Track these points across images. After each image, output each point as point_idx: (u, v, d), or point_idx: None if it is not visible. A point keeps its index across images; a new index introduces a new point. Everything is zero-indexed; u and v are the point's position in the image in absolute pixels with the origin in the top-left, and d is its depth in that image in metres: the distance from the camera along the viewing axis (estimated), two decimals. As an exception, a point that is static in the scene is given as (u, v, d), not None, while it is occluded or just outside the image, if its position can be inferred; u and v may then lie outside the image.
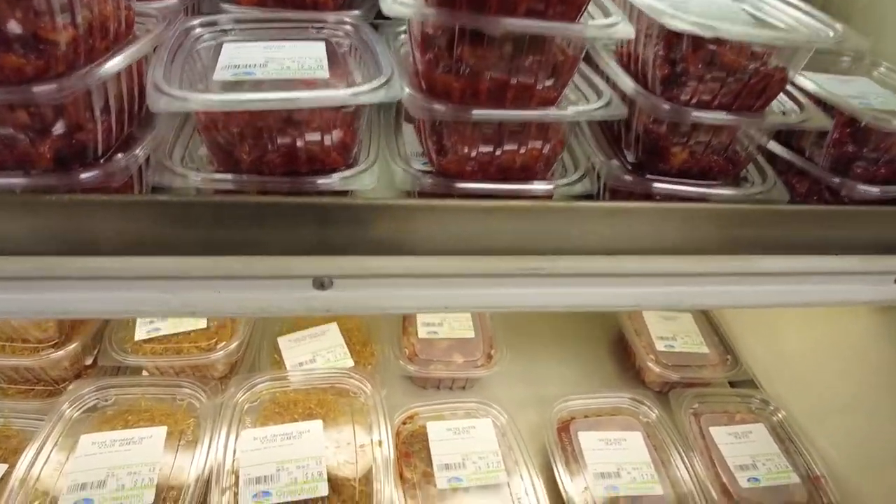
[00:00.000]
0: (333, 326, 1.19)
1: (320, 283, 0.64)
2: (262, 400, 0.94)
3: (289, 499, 0.82)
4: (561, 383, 1.21)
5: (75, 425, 0.90)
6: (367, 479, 0.86)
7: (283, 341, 1.16)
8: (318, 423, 0.91)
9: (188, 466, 0.85)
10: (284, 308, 0.65)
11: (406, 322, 1.22)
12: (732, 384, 1.25)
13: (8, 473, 0.85)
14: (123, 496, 0.80)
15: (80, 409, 0.91)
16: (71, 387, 0.93)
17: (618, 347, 1.37)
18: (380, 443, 0.90)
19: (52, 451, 0.86)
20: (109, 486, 0.81)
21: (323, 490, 0.83)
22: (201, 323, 1.05)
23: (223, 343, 1.02)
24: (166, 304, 0.61)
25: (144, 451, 0.85)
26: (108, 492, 0.80)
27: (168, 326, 1.04)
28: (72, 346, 0.99)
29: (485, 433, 1.05)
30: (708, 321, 1.36)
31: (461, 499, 0.95)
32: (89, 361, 1.10)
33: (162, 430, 0.88)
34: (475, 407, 1.09)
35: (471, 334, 1.23)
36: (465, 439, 1.03)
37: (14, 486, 0.80)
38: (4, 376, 1.03)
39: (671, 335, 1.30)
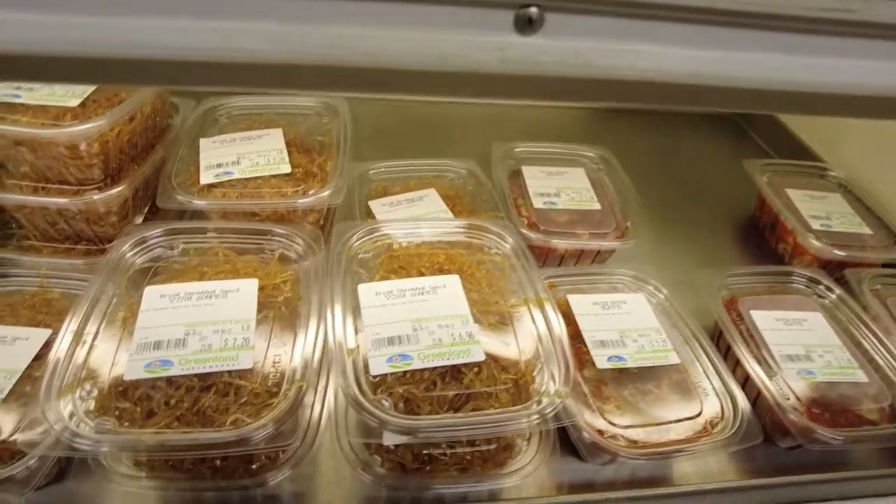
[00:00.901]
0: (432, 192, 0.97)
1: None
2: (378, 252, 0.72)
3: (434, 364, 0.60)
4: (700, 265, 1.00)
5: (135, 278, 0.68)
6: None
7: (375, 205, 0.94)
8: (455, 278, 0.69)
9: (293, 326, 0.64)
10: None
11: (515, 193, 1.00)
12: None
13: (53, 339, 0.64)
14: (212, 358, 0.59)
15: (143, 256, 0.69)
16: (126, 229, 0.71)
17: (753, 230, 1.16)
18: (536, 301, 0.69)
19: (108, 308, 0.64)
20: (191, 345, 0.60)
21: (478, 354, 0.62)
22: (284, 167, 0.82)
23: (313, 190, 0.79)
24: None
25: (232, 306, 0.64)
26: (191, 352, 0.59)
27: (242, 170, 0.81)
28: (117, 190, 0.76)
29: (639, 309, 0.84)
30: (863, 204, 1.15)
31: (626, 381, 0.74)
32: (139, 220, 0.87)
33: (252, 284, 0.66)
34: (624, 280, 0.87)
35: (595, 206, 1.01)
36: (616, 315, 0.83)
37: (62, 354, 0.58)
38: (39, 232, 0.81)
39: (825, 214, 1.09)
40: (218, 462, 0.61)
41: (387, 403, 0.58)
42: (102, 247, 0.83)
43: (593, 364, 0.75)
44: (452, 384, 0.60)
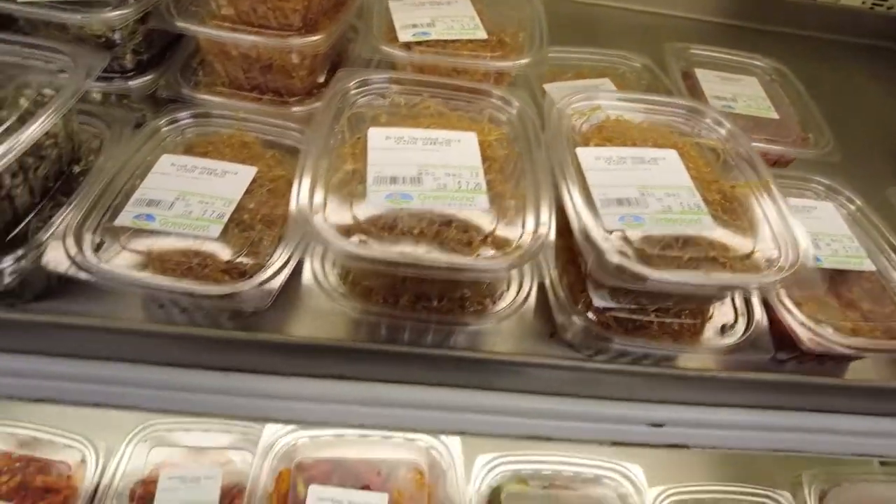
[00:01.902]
0: (606, 82, 0.93)
1: None
2: (591, 120, 0.70)
3: (664, 231, 0.59)
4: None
5: (352, 119, 0.67)
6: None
7: (549, 88, 0.91)
8: (673, 152, 0.66)
9: (517, 180, 0.63)
10: None
11: (689, 93, 0.95)
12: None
13: (259, 176, 0.64)
14: (450, 197, 0.58)
15: (362, 98, 0.68)
16: (341, 73, 0.70)
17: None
18: (761, 183, 0.66)
19: (334, 144, 0.64)
20: (427, 183, 0.59)
21: (708, 225, 0.60)
22: (480, 32, 0.80)
23: (512, 57, 0.77)
24: None
25: (457, 154, 0.63)
26: (428, 190, 0.59)
27: (438, 31, 0.79)
28: (314, 38, 0.75)
29: (829, 216, 0.80)
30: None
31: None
32: (322, 79, 0.86)
33: (472, 136, 0.65)
34: (814, 188, 0.83)
35: (773, 115, 0.96)
36: (806, 220, 0.79)
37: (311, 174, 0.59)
38: (230, 79, 0.81)
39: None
40: (435, 302, 0.61)
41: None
42: (287, 99, 0.83)
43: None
44: (686, 248, 0.59)
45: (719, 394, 0.65)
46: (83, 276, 0.58)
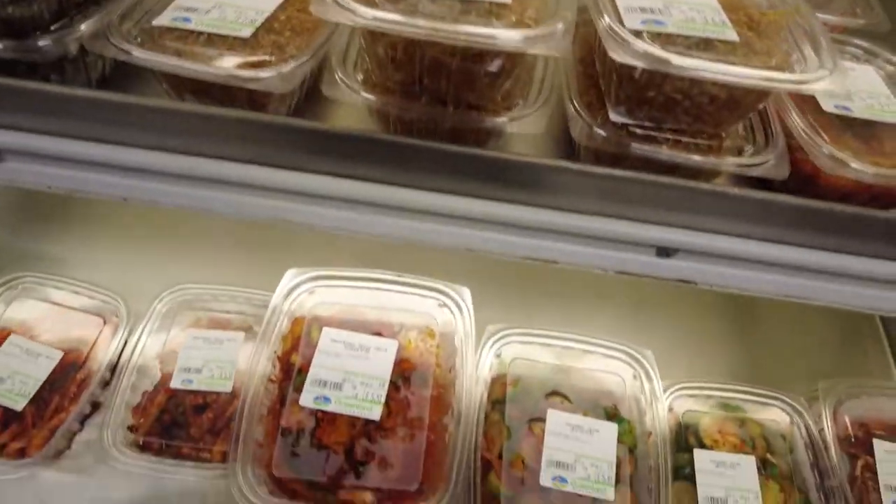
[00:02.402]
0: None
1: None
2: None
3: (688, 33, 0.59)
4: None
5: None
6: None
7: None
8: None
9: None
10: None
11: None
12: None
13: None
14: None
15: None
16: None
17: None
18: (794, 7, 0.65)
19: None
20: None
21: (730, 35, 0.59)
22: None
23: None
24: None
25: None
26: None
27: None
28: None
29: (867, 77, 0.78)
30: None
31: (848, 127, 0.70)
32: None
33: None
34: (851, 51, 0.81)
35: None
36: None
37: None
38: None
39: None
40: (451, 108, 0.63)
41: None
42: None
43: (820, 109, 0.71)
44: (709, 50, 0.58)
45: (731, 220, 0.64)
46: (123, 57, 0.62)
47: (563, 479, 0.92)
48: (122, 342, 1.14)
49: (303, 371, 0.87)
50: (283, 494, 0.78)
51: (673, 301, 1.36)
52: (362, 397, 0.86)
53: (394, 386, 0.88)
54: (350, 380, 0.87)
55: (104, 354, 1.13)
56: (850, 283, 0.68)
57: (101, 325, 1.18)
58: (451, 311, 0.95)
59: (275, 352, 0.89)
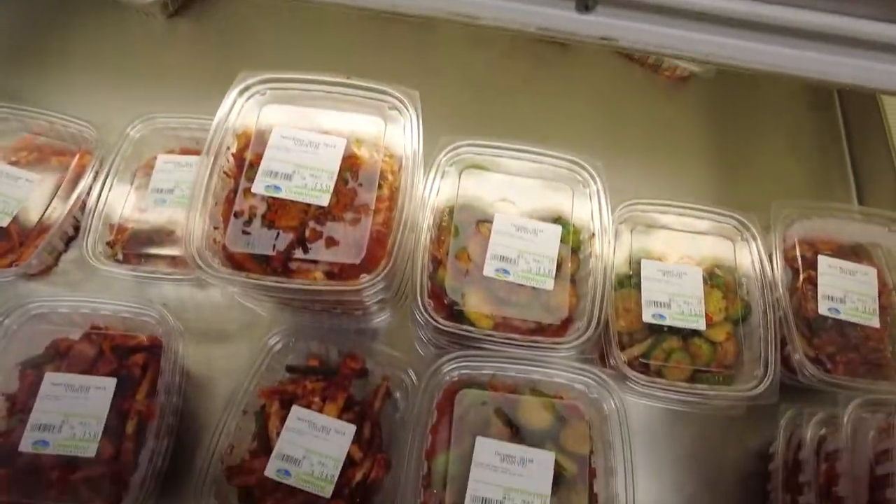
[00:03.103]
0: None
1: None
2: None
3: None
4: None
5: None
6: None
7: None
8: None
9: None
10: None
11: None
12: None
13: None
14: None
15: None
16: None
17: None
18: None
19: None
20: None
21: None
22: None
23: None
24: None
25: None
26: None
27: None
28: None
29: None
30: None
31: None
32: None
33: None
34: None
35: None
36: None
37: None
38: None
39: None
40: None
41: None
42: None
43: None
44: None
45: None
46: None
47: (505, 272, 0.98)
48: (97, 166, 1.19)
49: (254, 165, 0.92)
50: (233, 266, 0.85)
51: (646, 119, 1.41)
52: (311, 187, 0.90)
53: (342, 179, 0.92)
54: (300, 172, 0.91)
55: (81, 179, 1.19)
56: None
57: (77, 152, 1.23)
58: (401, 113, 0.97)
59: (228, 148, 0.93)
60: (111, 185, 1.16)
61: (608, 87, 1.47)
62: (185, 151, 1.23)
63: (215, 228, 0.88)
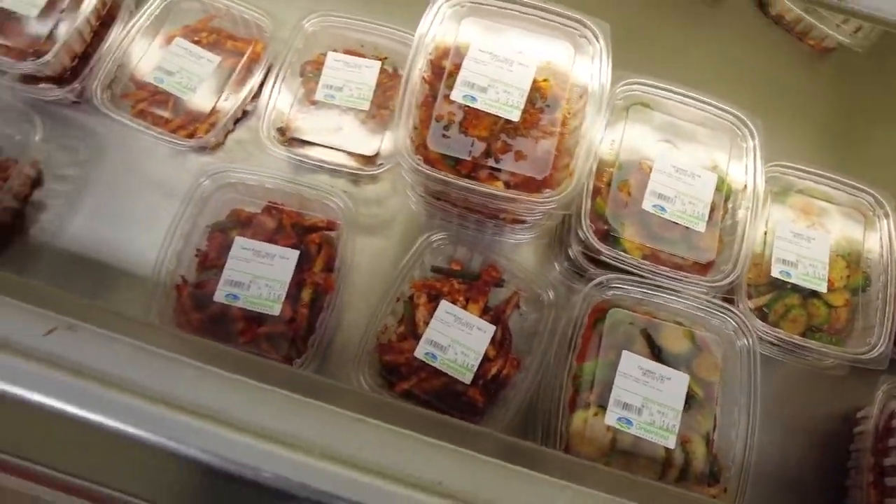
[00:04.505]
0: None
1: None
2: None
3: None
4: None
5: None
6: None
7: None
8: None
9: None
10: None
11: None
12: None
13: None
14: None
15: None
16: None
17: None
18: None
19: None
20: None
21: None
22: None
23: None
24: None
25: None
26: None
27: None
28: None
29: None
30: None
31: None
32: None
33: None
34: None
35: None
36: None
37: None
38: None
39: None
40: None
41: None
42: None
43: None
44: None
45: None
46: None
47: (662, 209, 1.05)
48: (271, 57, 1.26)
49: (452, 74, 0.98)
50: (438, 168, 0.93)
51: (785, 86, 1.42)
52: (504, 101, 0.97)
53: (530, 98, 0.98)
54: (494, 86, 0.97)
55: (255, 66, 1.26)
56: None
57: (252, 40, 1.30)
58: (591, 43, 1.02)
59: (427, 55, 0.99)
60: (284, 76, 1.24)
61: (751, 49, 1.48)
62: (348, 52, 1.29)
63: (414, 128, 0.96)
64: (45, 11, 1.19)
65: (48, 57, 1.14)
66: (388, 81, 1.25)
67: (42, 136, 1.17)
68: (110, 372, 0.60)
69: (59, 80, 1.22)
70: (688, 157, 1.09)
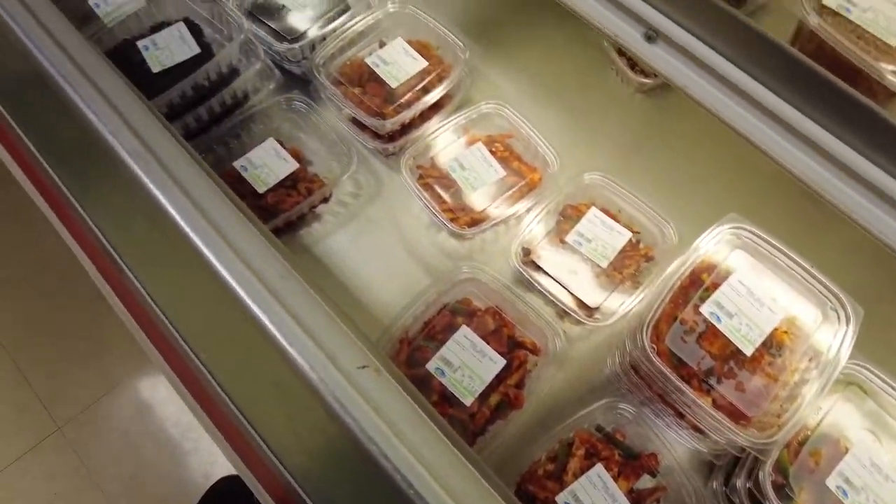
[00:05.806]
0: None
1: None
2: None
3: None
4: None
5: None
6: None
7: None
8: None
9: None
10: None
11: None
12: None
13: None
14: None
15: None
16: None
17: None
18: None
19: None
20: None
21: None
22: None
23: None
24: None
25: None
26: None
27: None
28: None
29: None
30: None
31: None
32: None
33: None
34: None
35: None
36: None
37: None
38: None
39: None
40: None
41: None
42: None
43: None
44: None
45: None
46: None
47: (845, 493, 1.07)
48: (544, 190, 1.46)
49: (709, 289, 1.10)
50: (663, 361, 1.04)
51: None
52: (744, 333, 1.07)
53: (765, 344, 1.07)
54: (740, 317, 1.08)
55: (530, 193, 1.47)
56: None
57: (537, 169, 1.51)
58: (839, 317, 1.10)
59: (693, 262, 1.13)
60: (549, 209, 1.43)
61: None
62: (606, 212, 1.46)
63: (655, 320, 1.09)
64: (402, 86, 1.49)
65: (387, 122, 1.43)
66: (631, 251, 1.40)
67: (352, 172, 1.45)
68: (395, 422, 0.76)
69: (381, 136, 1.50)
70: (889, 456, 1.11)
